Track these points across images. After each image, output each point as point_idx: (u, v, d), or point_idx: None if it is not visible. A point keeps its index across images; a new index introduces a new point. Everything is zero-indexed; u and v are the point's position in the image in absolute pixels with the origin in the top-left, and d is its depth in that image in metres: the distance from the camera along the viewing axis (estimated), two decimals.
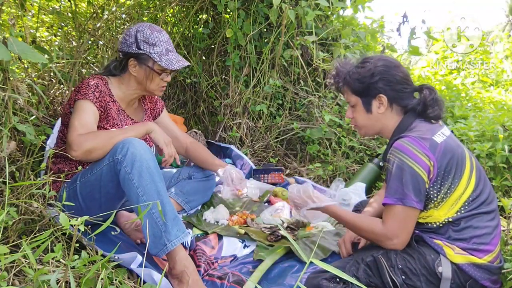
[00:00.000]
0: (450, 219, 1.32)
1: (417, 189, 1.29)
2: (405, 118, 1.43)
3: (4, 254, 0.99)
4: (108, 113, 1.70)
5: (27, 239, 1.14)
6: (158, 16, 3.19)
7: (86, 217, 1.03)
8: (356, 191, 2.33)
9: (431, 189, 1.32)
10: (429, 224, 1.36)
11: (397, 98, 1.43)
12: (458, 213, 1.32)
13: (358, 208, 1.93)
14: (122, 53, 1.74)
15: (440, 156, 1.31)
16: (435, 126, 1.39)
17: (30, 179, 1.51)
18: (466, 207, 1.32)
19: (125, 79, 1.77)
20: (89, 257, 1.13)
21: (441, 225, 1.34)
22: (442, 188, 1.32)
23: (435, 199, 1.33)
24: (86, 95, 1.62)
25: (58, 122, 2.07)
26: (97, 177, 1.53)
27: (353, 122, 1.56)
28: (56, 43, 2.92)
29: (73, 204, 1.31)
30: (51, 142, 1.93)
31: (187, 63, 1.76)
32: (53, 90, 2.55)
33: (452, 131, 1.47)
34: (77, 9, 2.91)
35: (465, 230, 1.31)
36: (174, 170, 2.13)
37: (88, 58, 2.99)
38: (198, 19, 3.34)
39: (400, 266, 1.32)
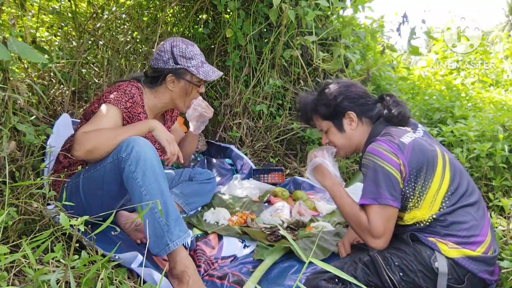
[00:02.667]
0: (435, 216, 1.35)
1: (391, 188, 1.33)
2: (375, 127, 1.51)
3: (4, 254, 0.99)
4: (134, 122, 1.68)
5: (27, 239, 1.14)
6: (158, 16, 3.19)
7: (86, 217, 1.03)
8: (356, 191, 2.32)
9: (406, 188, 1.37)
10: (417, 224, 1.38)
11: (363, 111, 1.54)
12: (441, 210, 1.35)
13: None
14: (158, 69, 1.74)
15: (409, 155, 1.36)
16: (403, 130, 1.45)
17: (30, 179, 1.51)
18: (447, 202, 1.35)
19: (159, 92, 1.77)
20: (89, 257, 1.13)
21: (427, 223, 1.36)
22: (416, 186, 1.36)
23: (411, 197, 1.37)
24: (118, 102, 1.61)
25: (61, 119, 2.07)
26: (100, 174, 1.52)
27: (331, 145, 1.63)
28: (56, 43, 2.92)
29: (73, 204, 1.31)
30: (52, 142, 1.93)
31: (221, 73, 1.80)
32: (53, 90, 2.55)
33: (426, 132, 1.52)
34: (77, 9, 2.91)
35: (453, 225, 1.33)
36: (171, 171, 2.14)
37: (88, 58, 2.99)
38: (198, 19, 3.34)
39: (396, 263, 1.34)
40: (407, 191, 1.37)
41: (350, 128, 1.55)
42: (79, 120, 1.94)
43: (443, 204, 1.35)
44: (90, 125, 1.53)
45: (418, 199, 1.37)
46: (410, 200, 1.38)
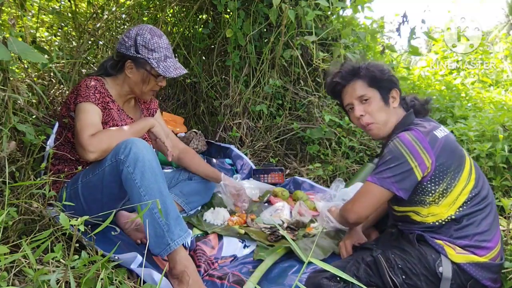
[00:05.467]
0: (453, 217, 1.33)
1: (402, 179, 1.33)
2: (407, 115, 1.48)
3: (4, 254, 0.99)
4: (108, 113, 1.70)
5: (27, 239, 1.14)
6: (158, 16, 3.19)
7: (86, 217, 1.03)
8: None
9: (428, 183, 1.35)
10: (431, 223, 1.37)
11: (400, 95, 1.54)
12: (461, 209, 1.33)
13: None
14: (120, 54, 1.71)
15: (439, 151, 1.34)
16: (436, 124, 1.44)
17: (30, 179, 1.51)
18: (468, 203, 1.34)
19: (120, 79, 1.75)
20: (89, 257, 1.13)
21: (443, 223, 1.35)
22: (441, 182, 1.34)
23: (432, 192, 1.35)
24: (87, 97, 1.61)
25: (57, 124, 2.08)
26: (99, 177, 1.53)
27: (366, 120, 1.50)
28: (56, 43, 2.92)
29: (73, 204, 1.31)
30: (51, 142, 1.93)
31: (185, 71, 1.74)
32: (53, 90, 2.55)
33: (451, 131, 1.54)
34: (77, 9, 2.91)
35: (467, 228, 1.32)
36: (170, 170, 2.13)
37: (88, 58, 2.99)
38: (198, 19, 3.34)
39: (400, 265, 1.32)
40: (429, 186, 1.35)
41: (392, 105, 1.51)
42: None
43: (464, 206, 1.34)
44: (83, 128, 1.53)
45: (441, 196, 1.34)
46: (430, 195, 1.36)
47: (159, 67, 1.67)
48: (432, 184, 1.34)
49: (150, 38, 1.67)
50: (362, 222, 1.44)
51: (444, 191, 1.34)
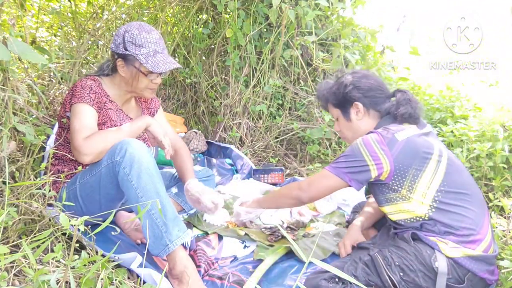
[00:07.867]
0: (431, 213, 1.36)
1: (356, 172, 1.42)
2: (380, 121, 1.54)
3: (4, 254, 0.99)
4: (106, 113, 1.69)
5: (27, 239, 1.14)
6: (158, 16, 3.19)
7: (86, 217, 1.03)
8: (349, 190, 2.32)
9: (393, 180, 1.41)
10: (415, 221, 1.40)
11: (371, 103, 1.57)
12: (435, 205, 1.36)
13: (357, 210, 1.94)
14: (112, 52, 1.71)
15: (398, 152, 1.39)
16: (404, 126, 1.47)
17: (30, 179, 1.51)
18: (440, 198, 1.36)
19: (116, 79, 1.74)
20: (89, 257, 1.13)
21: (426, 218, 1.37)
22: (404, 180, 1.39)
23: (399, 189, 1.41)
24: (82, 98, 1.60)
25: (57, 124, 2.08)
26: (96, 178, 1.52)
27: (341, 135, 1.71)
28: (56, 43, 2.92)
29: (73, 204, 1.31)
30: (51, 142, 1.93)
31: (176, 65, 1.68)
32: (53, 90, 2.55)
33: (432, 131, 1.57)
34: (77, 9, 2.91)
35: (451, 223, 1.34)
36: (173, 170, 2.13)
37: (88, 58, 2.99)
38: (198, 19, 3.34)
39: (397, 263, 1.34)
40: (395, 183, 1.41)
41: (356, 118, 1.59)
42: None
43: (437, 200, 1.36)
44: (78, 130, 1.53)
45: (408, 192, 1.39)
46: (398, 191, 1.41)
47: (148, 62, 1.63)
48: (396, 182, 1.41)
49: (138, 34, 1.64)
50: (310, 203, 1.54)
51: (410, 187, 1.39)
